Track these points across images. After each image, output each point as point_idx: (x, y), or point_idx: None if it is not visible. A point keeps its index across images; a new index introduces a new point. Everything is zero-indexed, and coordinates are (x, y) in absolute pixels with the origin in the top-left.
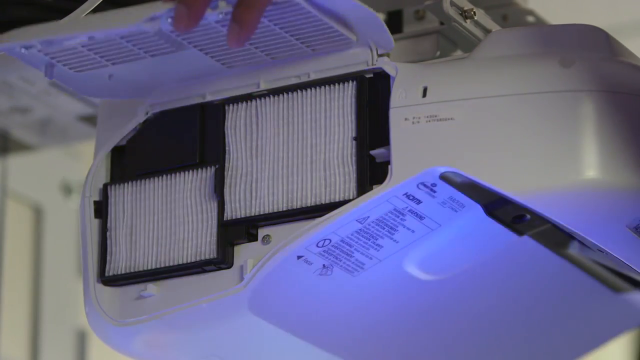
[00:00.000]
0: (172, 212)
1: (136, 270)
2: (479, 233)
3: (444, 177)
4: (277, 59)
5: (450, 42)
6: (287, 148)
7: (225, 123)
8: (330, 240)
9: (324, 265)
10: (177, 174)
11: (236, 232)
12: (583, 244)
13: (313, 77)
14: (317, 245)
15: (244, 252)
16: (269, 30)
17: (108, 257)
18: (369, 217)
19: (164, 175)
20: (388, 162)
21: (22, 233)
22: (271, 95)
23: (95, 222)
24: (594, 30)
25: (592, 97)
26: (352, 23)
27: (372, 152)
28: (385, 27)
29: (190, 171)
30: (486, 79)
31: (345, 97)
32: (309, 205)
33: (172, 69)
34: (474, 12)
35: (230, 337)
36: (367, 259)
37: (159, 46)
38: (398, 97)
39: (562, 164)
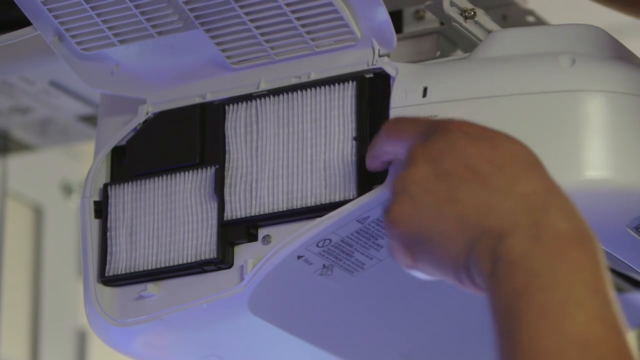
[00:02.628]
0: (172, 212)
1: (136, 270)
2: None
3: None
4: (280, 56)
5: (450, 42)
6: (287, 148)
7: (225, 123)
8: (331, 240)
9: (324, 265)
10: (177, 174)
11: (236, 232)
12: None
13: (313, 77)
14: (317, 245)
15: (244, 252)
16: (282, 16)
17: (108, 257)
18: (369, 217)
19: (164, 175)
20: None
21: (22, 233)
22: (271, 95)
23: (95, 222)
24: (594, 30)
25: (592, 97)
26: (359, 19)
27: None
28: (392, 26)
29: (190, 171)
30: (486, 79)
31: (345, 97)
32: (309, 205)
33: (174, 64)
34: (474, 12)
35: (230, 337)
36: (367, 259)
37: (170, 22)
38: (398, 97)
39: (562, 164)
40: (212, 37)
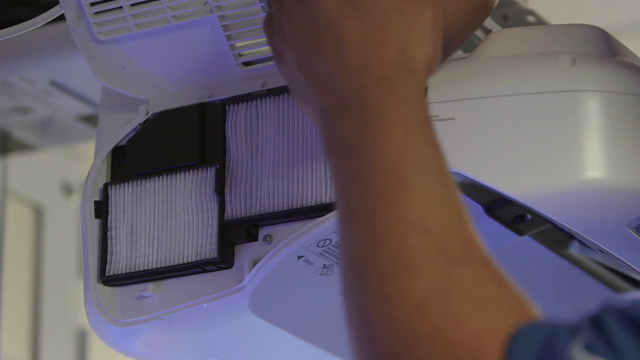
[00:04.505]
0: (172, 212)
1: (136, 270)
2: (479, 233)
3: None
4: None
5: None
6: (288, 148)
7: (226, 123)
8: (331, 240)
9: (324, 265)
10: (177, 174)
11: (236, 232)
12: (583, 244)
13: None
14: (318, 245)
15: (244, 252)
16: None
17: (108, 257)
18: None
19: (164, 175)
20: None
21: (22, 233)
22: (271, 95)
23: (96, 222)
24: (594, 30)
25: (592, 97)
26: None
27: None
28: None
29: (190, 171)
30: (486, 79)
31: None
32: (309, 205)
33: (182, 63)
34: None
35: (230, 337)
36: None
37: (188, 5)
38: None
39: (563, 164)
40: (225, 26)
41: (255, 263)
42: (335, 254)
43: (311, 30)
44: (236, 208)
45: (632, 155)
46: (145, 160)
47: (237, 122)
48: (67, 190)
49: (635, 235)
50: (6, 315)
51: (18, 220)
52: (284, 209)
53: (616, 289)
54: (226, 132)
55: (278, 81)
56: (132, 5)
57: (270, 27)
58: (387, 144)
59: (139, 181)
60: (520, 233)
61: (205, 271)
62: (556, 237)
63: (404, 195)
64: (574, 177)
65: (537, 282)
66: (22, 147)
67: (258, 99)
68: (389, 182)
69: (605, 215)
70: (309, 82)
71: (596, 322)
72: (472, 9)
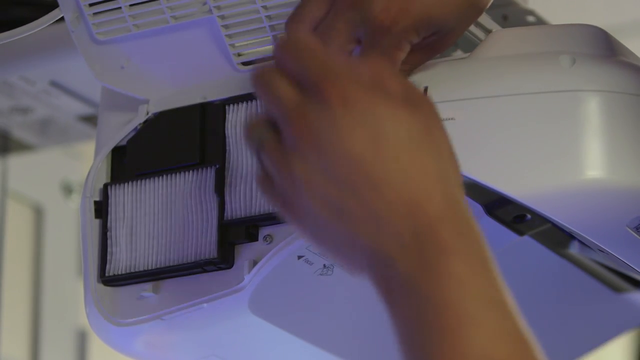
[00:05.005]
0: (172, 212)
1: (136, 270)
2: None
3: None
4: None
5: None
6: None
7: (226, 123)
8: None
9: (324, 265)
10: (177, 174)
11: (236, 232)
12: (583, 243)
13: None
14: None
15: (244, 252)
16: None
17: (108, 257)
18: None
19: (164, 175)
20: None
21: (22, 233)
22: None
23: (96, 222)
24: (594, 30)
25: (592, 97)
26: None
27: None
28: None
29: (190, 171)
30: (486, 79)
31: None
32: None
33: (181, 64)
34: None
35: (230, 337)
36: None
37: (187, 6)
38: None
39: (563, 163)
40: (226, 27)
41: (255, 263)
42: None
43: (340, 177)
44: (236, 208)
45: (632, 155)
46: (145, 160)
47: (237, 122)
48: (67, 190)
49: (635, 235)
50: (6, 315)
51: (18, 220)
52: None
53: (616, 289)
54: (226, 132)
55: None
56: (131, 5)
57: (267, 183)
58: (450, 282)
59: (139, 181)
60: (520, 233)
61: (205, 271)
62: (556, 237)
63: (469, 332)
64: (574, 177)
65: (537, 282)
66: (22, 147)
67: (258, 99)
68: (454, 321)
69: (605, 215)
70: (350, 231)
71: None
72: None
